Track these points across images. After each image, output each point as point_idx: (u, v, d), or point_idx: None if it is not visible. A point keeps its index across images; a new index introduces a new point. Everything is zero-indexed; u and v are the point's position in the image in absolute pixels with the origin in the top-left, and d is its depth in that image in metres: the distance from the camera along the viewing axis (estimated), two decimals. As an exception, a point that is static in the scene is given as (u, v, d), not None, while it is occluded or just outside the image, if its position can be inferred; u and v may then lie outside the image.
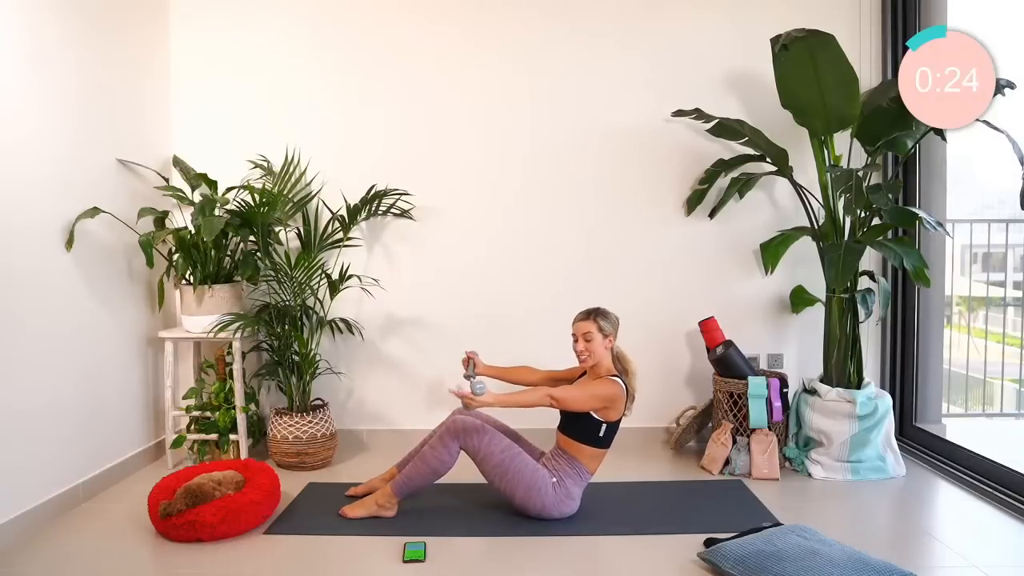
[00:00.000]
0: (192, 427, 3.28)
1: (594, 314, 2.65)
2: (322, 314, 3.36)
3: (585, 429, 2.58)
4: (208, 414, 3.25)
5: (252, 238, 3.24)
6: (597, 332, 2.62)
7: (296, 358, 3.26)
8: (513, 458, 2.54)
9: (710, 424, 3.40)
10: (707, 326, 3.34)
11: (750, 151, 3.35)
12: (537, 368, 2.93)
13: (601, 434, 2.58)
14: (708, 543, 2.31)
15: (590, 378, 2.66)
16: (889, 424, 3.11)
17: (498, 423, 2.80)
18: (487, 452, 2.54)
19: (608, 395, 2.55)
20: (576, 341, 2.64)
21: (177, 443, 3.20)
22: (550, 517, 2.56)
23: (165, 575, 2.25)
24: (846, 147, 3.20)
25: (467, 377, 2.76)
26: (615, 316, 2.69)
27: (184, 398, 3.38)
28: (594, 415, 2.56)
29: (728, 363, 3.25)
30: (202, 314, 3.16)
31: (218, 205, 3.18)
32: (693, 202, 3.51)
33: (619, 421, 2.62)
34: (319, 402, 3.37)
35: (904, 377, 3.52)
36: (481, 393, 2.47)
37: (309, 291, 3.28)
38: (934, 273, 3.26)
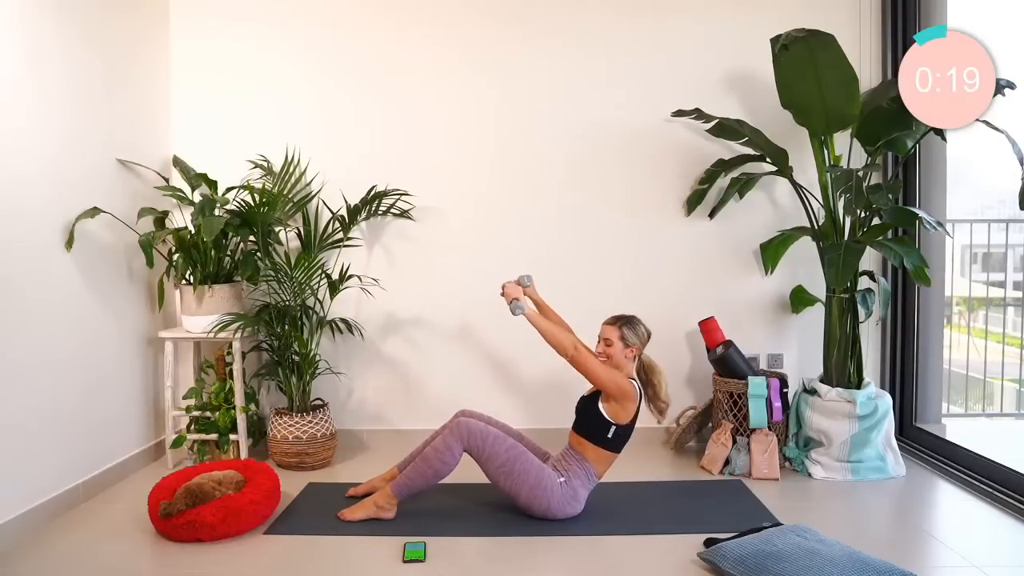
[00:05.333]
0: (192, 427, 3.28)
1: (620, 321, 2.65)
2: (322, 314, 3.36)
3: (596, 428, 2.58)
4: (208, 414, 3.25)
5: (252, 238, 3.24)
6: (618, 340, 2.62)
7: (296, 358, 3.25)
8: (517, 457, 2.54)
9: (710, 424, 3.40)
10: (707, 326, 3.33)
11: (750, 151, 3.35)
12: (573, 331, 2.89)
13: (610, 435, 2.58)
14: (708, 543, 2.31)
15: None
16: (889, 424, 3.11)
17: (501, 424, 2.80)
18: (491, 453, 2.53)
19: (623, 387, 2.54)
20: (599, 342, 2.66)
21: (177, 443, 3.20)
22: (554, 517, 2.56)
23: (165, 575, 2.25)
24: (846, 147, 3.20)
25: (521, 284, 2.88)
26: (645, 329, 2.68)
27: (184, 398, 3.37)
28: (604, 414, 2.56)
29: (728, 363, 3.25)
30: (202, 314, 3.16)
31: (218, 205, 3.18)
32: (693, 202, 3.50)
33: (629, 427, 2.61)
34: (319, 402, 3.37)
35: (904, 377, 3.52)
36: (520, 312, 2.59)
37: (309, 291, 3.28)
38: (934, 273, 3.26)
